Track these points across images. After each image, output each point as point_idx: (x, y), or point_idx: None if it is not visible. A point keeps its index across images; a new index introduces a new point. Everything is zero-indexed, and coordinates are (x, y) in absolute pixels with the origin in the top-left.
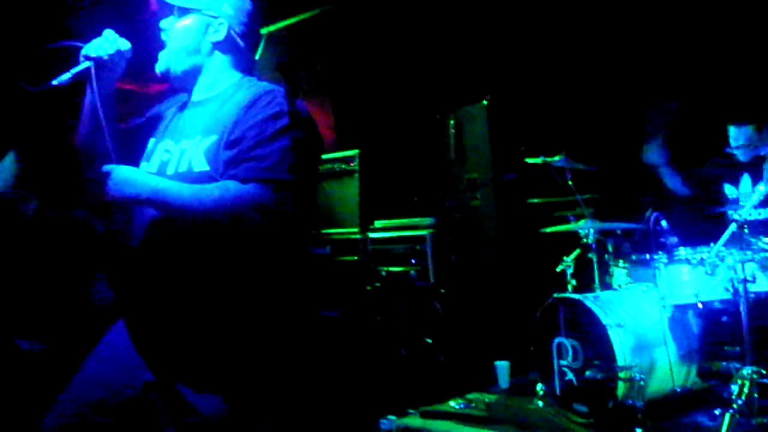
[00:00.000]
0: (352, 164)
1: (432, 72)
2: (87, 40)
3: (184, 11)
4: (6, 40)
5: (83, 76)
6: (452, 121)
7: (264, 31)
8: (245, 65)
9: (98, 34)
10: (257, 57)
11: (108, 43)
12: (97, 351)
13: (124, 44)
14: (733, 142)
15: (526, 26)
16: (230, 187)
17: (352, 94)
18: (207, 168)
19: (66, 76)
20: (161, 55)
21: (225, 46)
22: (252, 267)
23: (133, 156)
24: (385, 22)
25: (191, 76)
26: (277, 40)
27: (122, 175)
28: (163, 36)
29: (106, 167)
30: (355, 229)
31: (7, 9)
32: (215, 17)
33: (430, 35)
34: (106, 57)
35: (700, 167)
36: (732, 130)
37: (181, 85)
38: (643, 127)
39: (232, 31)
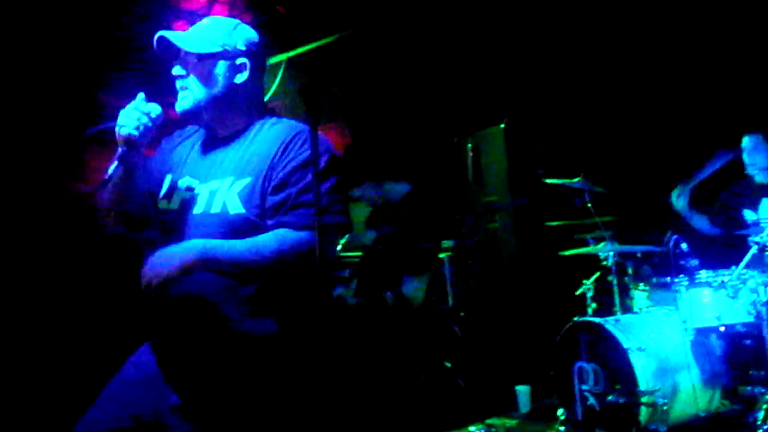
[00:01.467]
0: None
1: (449, 95)
2: (120, 101)
3: (204, 56)
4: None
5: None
6: (470, 144)
7: (283, 57)
8: (262, 98)
9: (127, 92)
10: (276, 83)
11: (137, 113)
12: (121, 373)
13: (155, 109)
14: (747, 159)
15: (545, 50)
16: (287, 236)
17: (369, 118)
18: (243, 210)
19: (98, 128)
20: (184, 96)
21: (247, 85)
22: (281, 300)
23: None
24: (402, 46)
25: (216, 119)
26: (296, 66)
27: (159, 254)
28: (180, 81)
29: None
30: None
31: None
32: (236, 57)
33: (448, 59)
34: (136, 134)
35: (719, 199)
36: (746, 145)
37: (202, 124)
38: (688, 172)
39: (251, 70)
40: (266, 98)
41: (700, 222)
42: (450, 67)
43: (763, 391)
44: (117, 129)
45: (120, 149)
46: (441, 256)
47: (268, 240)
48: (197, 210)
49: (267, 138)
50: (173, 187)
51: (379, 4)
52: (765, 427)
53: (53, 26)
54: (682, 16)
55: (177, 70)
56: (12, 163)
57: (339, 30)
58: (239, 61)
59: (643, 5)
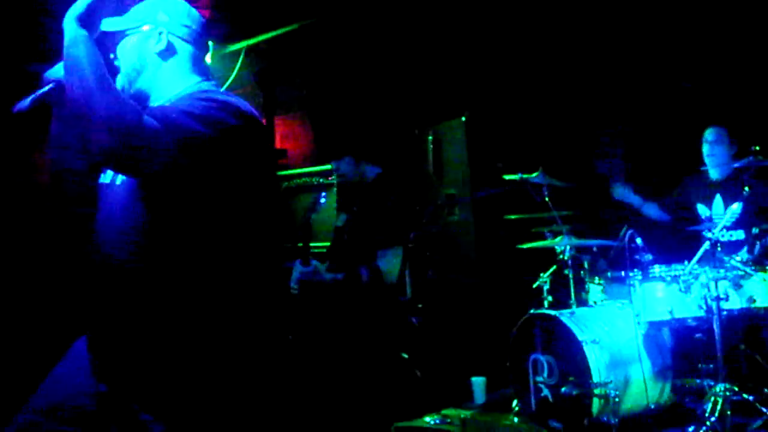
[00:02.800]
0: (330, 178)
1: (411, 87)
2: (53, 64)
3: (123, 33)
4: None
5: (48, 99)
6: (430, 137)
7: (243, 44)
8: (198, 67)
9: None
10: (236, 71)
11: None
12: (62, 361)
13: None
14: (707, 150)
15: (505, 44)
16: (131, 103)
17: (330, 109)
18: None
19: (26, 102)
20: (117, 79)
21: (169, 53)
22: (201, 281)
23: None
24: (364, 37)
25: (148, 90)
26: (256, 54)
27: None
28: (117, 63)
29: None
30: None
31: None
32: (154, 29)
33: (410, 51)
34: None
35: (673, 191)
36: (708, 136)
37: (141, 100)
38: (605, 157)
39: (172, 37)
40: (224, 87)
41: (650, 209)
42: (411, 60)
43: (711, 383)
44: (46, 74)
45: (48, 88)
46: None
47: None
48: (118, 180)
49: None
50: None
51: None
52: (713, 419)
53: None
54: (634, 9)
55: (113, 56)
56: None
57: (300, 19)
58: (156, 31)
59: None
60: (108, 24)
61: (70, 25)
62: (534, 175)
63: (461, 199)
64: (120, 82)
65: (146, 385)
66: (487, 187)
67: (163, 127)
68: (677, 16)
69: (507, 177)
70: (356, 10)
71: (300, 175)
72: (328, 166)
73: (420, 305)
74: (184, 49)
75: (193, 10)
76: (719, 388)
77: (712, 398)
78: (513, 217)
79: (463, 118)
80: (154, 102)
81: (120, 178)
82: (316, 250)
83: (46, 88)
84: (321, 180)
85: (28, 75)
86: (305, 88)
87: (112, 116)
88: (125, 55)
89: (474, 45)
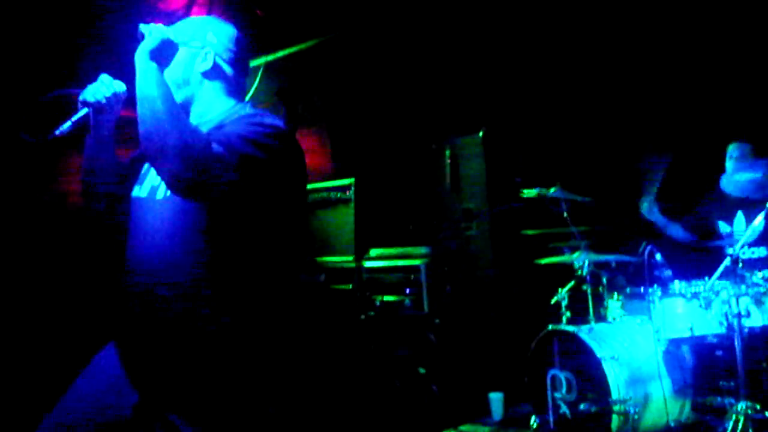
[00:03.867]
0: (348, 193)
1: (429, 103)
2: (84, 86)
3: (171, 44)
4: (6, 90)
5: (83, 123)
6: (448, 152)
7: (262, 60)
8: (236, 91)
9: (94, 79)
10: (255, 86)
11: (104, 87)
12: (85, 372)
13: (120, 86)
14: (731, 167)
15: (523, 60)
16: (200, 132)
17: (349, 124)
18: None
19: (66, 126)
20: None
21: (213, 74)
22: (245, 296)
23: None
24: (382, 53)
25: (185, 105)
26: (275, 70)
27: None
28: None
29: None
30: (350, 258)
31: (6, 59)
32: (201, 48)
33: (427, 67)
34: (103, 101)
35: (694, 210)
36: (732, 152)
37: None
38: (639, 180)
39: (218, 59)
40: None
41: (675, 230)
42: (429, 76)
43: (732, 402)
44: (85, 96)
45: (84, 112)
46: (417, 263)
47: (185, 117)
48: (159, 195)
49: (229, 119)
50: (146, 173)
51: (361, 10)
52: None
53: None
54: (657, 25)
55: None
56: None
57: (319, 35)
58: (203, 51)
59: (619, 16)
60: (159, 32)
61: (142, 59)
62: (552, 190)
63: (479, 214)
64: None
65: (188, 395)
66: (504, 202)
67: (227, 153)
68: (697, 28)
69: (524, 192)
70: (374, 26)
71: (318, 190)
72: (346, 181)
73: (437, 320)
74: (226, 72)
75: (240, 35)
76: (741, 406)
77: (734, 416)
78: (531, 232)
79: (481, 133)
80: (191, 119)
81: (162, 193)
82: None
83: (83, 111)
84: (339, 195)
85: (51, 101)
86: (323, 103)
87: (184, 145)
88: (168, 69)
89: (491, 60)
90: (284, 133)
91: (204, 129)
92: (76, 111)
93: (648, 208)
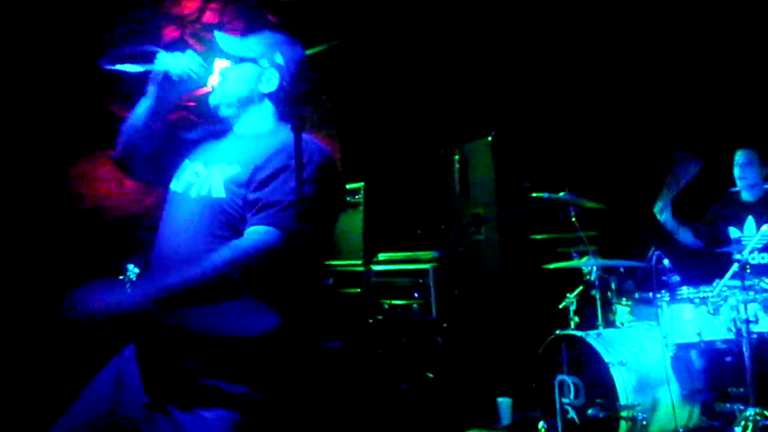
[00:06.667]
0: (357, 197)
1: (438, 107)
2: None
3: (240, 60)
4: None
5: (149, 78)
6: (457, 156)
7: None
8: (287, 116)
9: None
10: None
11: (188, 62)
12: (103, 373)
13: (203, 70)
14: (739, 173)
15: (533, 64)
16: (239, 244)
17: (358, 128)
18: (223, 195)
19: (136, 68)
20: (216, 90)
21: (274, 96)
22: (262, 300)
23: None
24: (392, 57)
25: (238, 116)
26: None
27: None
28: (219, 77)
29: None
30: (359, 262)
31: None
32: (268, 67)
33: (437, 71)
34: (179, 72)
35: (704, 217)
36: (739, 159)
37: (227, 121)
38: (661, 182)
39: (283, 82)
40: None
41: (685, 235)
42: (438, 80)
43: (741, 407)
44: (160, 56)
45: (158, 69)
46: (425, 267)
47: (220, 252)
48: (193, 193)
49: (273, 139)
50: (185, 169)
51: (370, 15)
52: None
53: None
54: (666, 29)
55: (220, 67)
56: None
57: (329, 40)
58: (269, 72)
59: (627, 20)
60: (228, 45)
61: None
62: (560, 194)
63: (487, 219)
64: (218, 97)
65: (201, 386)
66: (513, 207)
67: (277, 240)
68: (709, 33)
69: (534, 195)
70: (384, 31)
71: (343, 202)
72: (356, 185)
73: (445, 325)
74: (284, 94)
75: (303, 57)
76: (750, 412)
77: (743, 422)
78: (539, 237)
79: (490, 138)
80: (240, 127)
81: (197, 191)
82: (339, 269)
83: (160, 66)
84: (348, 198)
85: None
86: (333, 107)
87: (235, 271)
88: (233, 80)
89: (501, 65)
90: (329, 165)
91: (243, 144)
92: (150, 63)
93: (662, 210)
